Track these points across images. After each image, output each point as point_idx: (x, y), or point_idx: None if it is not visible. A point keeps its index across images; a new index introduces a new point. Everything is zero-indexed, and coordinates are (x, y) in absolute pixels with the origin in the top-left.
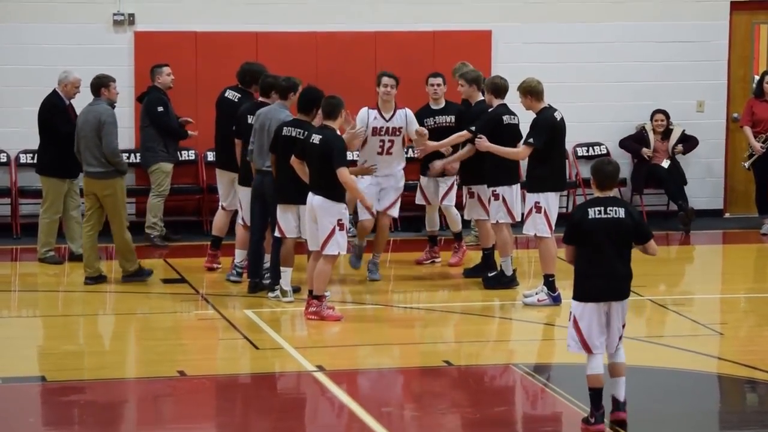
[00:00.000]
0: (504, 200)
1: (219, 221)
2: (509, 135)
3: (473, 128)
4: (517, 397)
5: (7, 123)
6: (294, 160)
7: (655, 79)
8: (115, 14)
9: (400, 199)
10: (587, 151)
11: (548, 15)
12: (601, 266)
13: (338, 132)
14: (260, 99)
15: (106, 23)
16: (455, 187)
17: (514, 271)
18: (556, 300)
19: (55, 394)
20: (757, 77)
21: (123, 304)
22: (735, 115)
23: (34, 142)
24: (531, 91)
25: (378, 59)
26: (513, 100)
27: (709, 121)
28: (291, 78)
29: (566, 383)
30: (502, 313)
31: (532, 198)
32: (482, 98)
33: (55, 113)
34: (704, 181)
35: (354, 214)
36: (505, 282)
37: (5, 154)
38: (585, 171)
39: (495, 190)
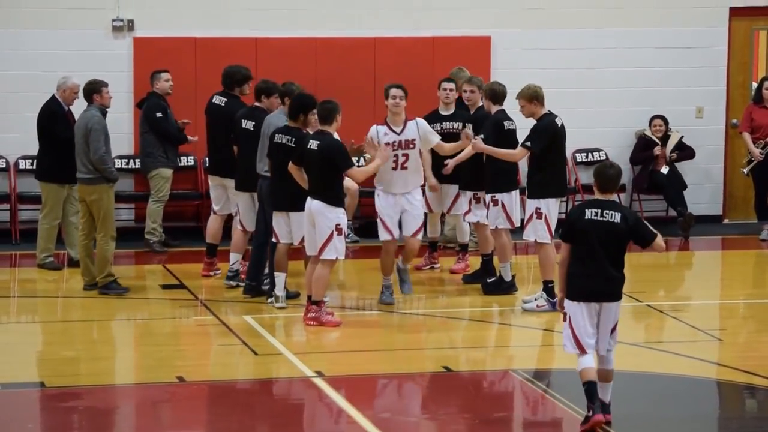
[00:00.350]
0: (503, 206)
1: (212, 227)
2: (509, 140)
3: (482, 136)
4: (516, 403)
5: (7, 129)
6: (291, 167)
7: (655, 85)
8: (114, 20)
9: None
10: (586, 157)
11: (547, 21)
12: (592, 267)
13: (336, 136)
14: (255, 104)
15: (106, 29)
16: (461, 196)
17: (513, 276)
18: (556, 306)
19: (53, 399)
20: (756, 83)
21: (122, 309)
22: (734, 121)
23: (34, 148)
24: (537, 96)
25: (377, 65)
26: (510, 106)
27: (708, 127)
28: (288, 83)
29: (566, 389)
30: (502, 319)
31: (532, 204)
32: (481, 104)
33: (54, 119)
34: (703, 187)
35: (354, 219)
36: (505, 288)
37: (4, 160)
38: (584, 177)
39: (494, 196)
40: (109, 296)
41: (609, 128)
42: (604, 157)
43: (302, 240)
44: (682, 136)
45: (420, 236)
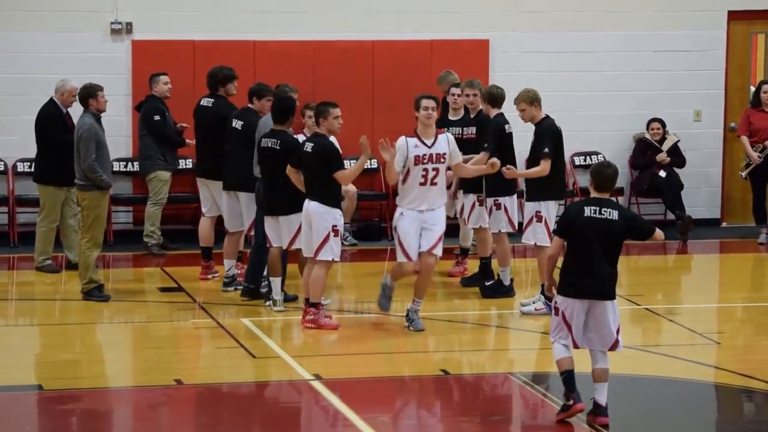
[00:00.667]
0: (506, 209)
1: (203, 230)
2: (508, 145)
3: (486, 145)
4: (515, 407)
5: (5, 131)
6: (289, 170)
7: (653, 89)
8: (112, 23)
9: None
10: (584, 160)
11: (546, 24)
12: (587, 264)
13: (330, 137)
14: (248, 105)
15: (104, 32)
16: (476, 206)
17: (512, 280)
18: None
19: (51, 402)
20: (754, 87)
21: (120, 312)
22: (732, 124)
23: (32, 151)
24: (537, 99)
25: (375, 68)
26: (508, 109)
27: (706, 131)
28: (281, 86)
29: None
30: (500, 322)
31: (532, 207)
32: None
33: (52, 122)
34: (701, 191)
35: (352, 222)
36: (503, 291)
37: (3, 163)
38: (583, 180)
39: (497, 200)
40: (111, 298)
41: (607, 131)
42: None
43: (291, 243)
44: (678, 140)
45: (438, 252)
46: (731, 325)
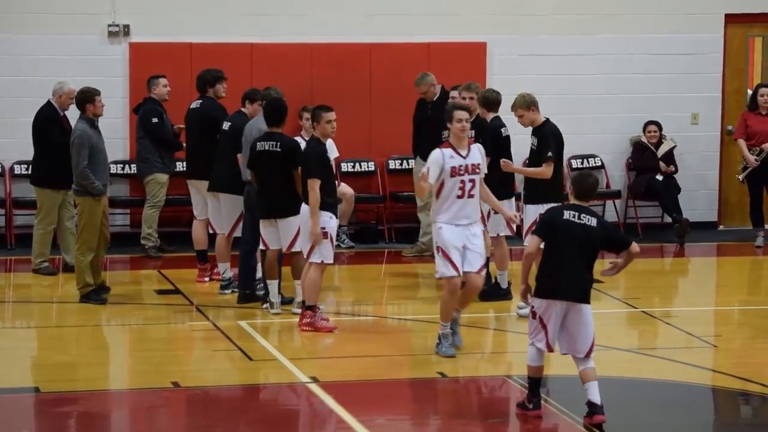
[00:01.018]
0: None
1: (196, 233)
2: (506, 147)
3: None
4: (512, 410)
5: (2, 134)
6: (297, 174)
7: (650, 92)
8: (110, 25)
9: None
10: (582, 163)
11: (543, 27)
12: (565, 266)
13: (330, 141)
14: (241, 109)
15: (101, 34)
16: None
17: (509, 283)
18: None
19: (48, 405)
20: (751, 90)
21: (117, 315)
22: (729, 127)
23: (29, 153)
24: (534, 103)
25: (373, 71)
26: (505, 112)
27: (703, 134)
28: (269, 88)
29: (562, 395)
30: (498, 325)
31: (533, 209)
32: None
33: (49, 124)
34: (698, 194)
35: (349, 225)
36: (501, 294)
37: (0, 165)
38: None
39: None
40: (108, 300)
41: (604, 134)
42: (599, 164)
43: (290, 246)
44: (674, 146)
45: (483, 274)
46: (728, 328)
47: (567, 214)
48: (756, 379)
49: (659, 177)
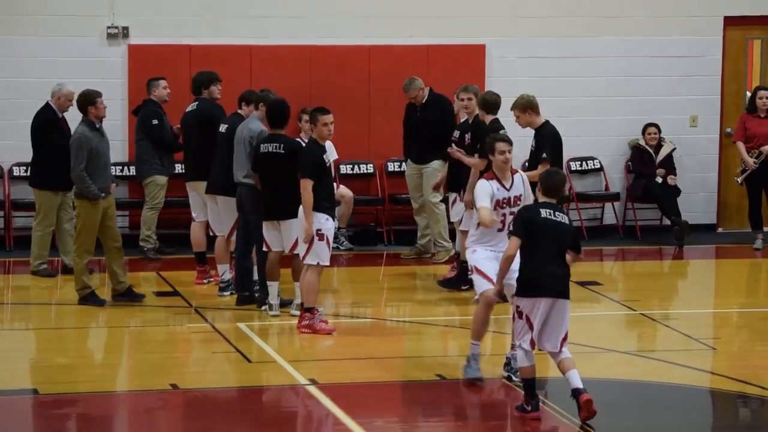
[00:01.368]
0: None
1: (194, 235)
2: None
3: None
4: (510, 411)
5: (1, 135)
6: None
7: (649, 94)
8: (108, 27)
9: None
10: (581, 165)
11: (542, 29)
12: (547, 264)
13: (328, 143)
14: (237, 111)
15: (100, 36)
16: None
17: None
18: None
19: (47, 407)
20: (750, 93)
21: (116, 317)
22: (728, 130)
23: (28, 155)
24: (530, 105)
25: (372, 73)
26: (504, 115)
27: (702, 136)
28: (264, 90)
29: (560, 398)
30: (496, 327)
31: None
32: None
33: (48, 126)
34: (697, 196)
35: (348, 227)
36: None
37: None
38: (579, 185)
39: None
40: (106, 302)
41: (603, 137)
42: (598, 166)
43: (292, 248)
44: (674, 148)
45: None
46: (727, 331)
47: (544, 213)
48: (754, 382)
49: (658, 179)
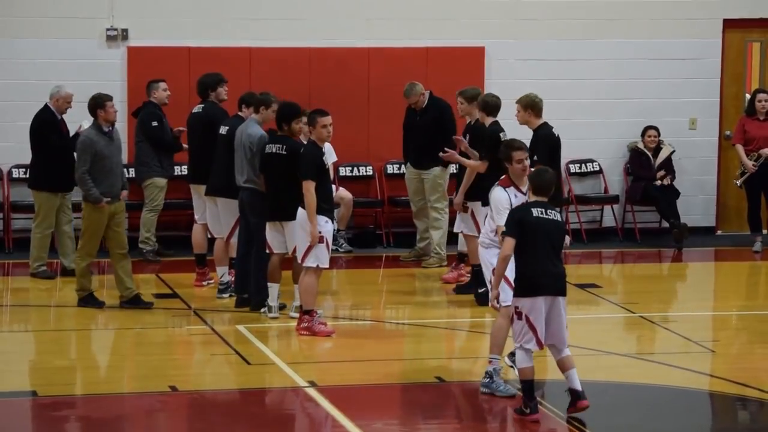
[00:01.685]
0: None
1: (196, 237)
2: None
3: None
4: (509, 414)
5: (0, 137)
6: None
7: (648, 97)
8: (108, 29)
9: None
10: (580, 168)
11: (541, 31)
12: (544, 262)
13: (327, 145)
14: (237, 113)
15: (99, 38)
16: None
17: None
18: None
19: (46, 409)
20: (749, 95)
21: (115, 318)
22: (727, 132)
23: (27, 157)
24: (532, 106)
25: (371, 75)
26: (503, 116)
27: (701, 139)
28: (264, 93)
29: (559, 399)
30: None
31: None
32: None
33: (46, 128)
34: (696, 199)
35: (347, 229)
36: None
37: None
38: (578, 188)
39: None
40: (106, 304)
41: (602, 139)
42: (597, 168)
43: (296, 249)
44: (673, 151)
45: None
46: (726, 333)
47: (536, 212)
48: (753, 384)
49: (657, 182)
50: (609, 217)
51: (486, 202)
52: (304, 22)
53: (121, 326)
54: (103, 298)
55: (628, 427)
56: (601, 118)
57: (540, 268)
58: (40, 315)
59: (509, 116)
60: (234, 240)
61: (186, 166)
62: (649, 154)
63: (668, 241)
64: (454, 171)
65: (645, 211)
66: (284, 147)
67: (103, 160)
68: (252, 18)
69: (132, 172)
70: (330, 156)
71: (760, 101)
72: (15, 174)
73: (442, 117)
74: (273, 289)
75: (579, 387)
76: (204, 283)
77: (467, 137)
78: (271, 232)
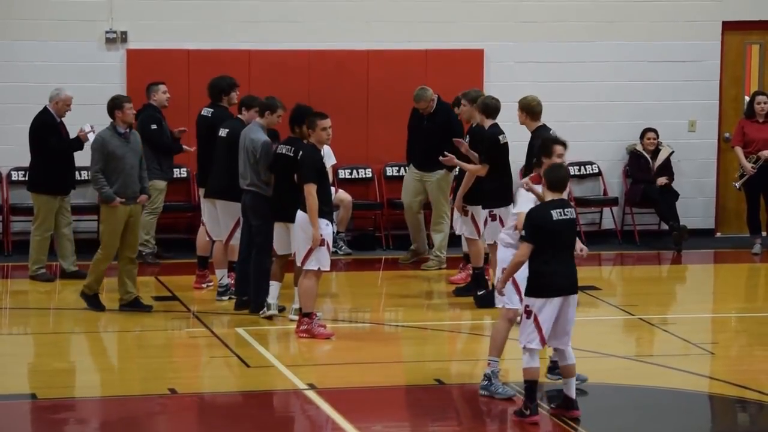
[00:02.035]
0: (501, 220)
1: (201, 239)
2: (504, 154)
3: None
4: (508, 416)
5: None
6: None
7: (648, 99)
8: (107, 32)
9: None
10: (579, 170)
11: (540, 34)
12: (560, 264)
13: (326, 147)
14: (237, 116)
15: (99, 41)
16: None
17: None
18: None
19: (45, 411)
20: (748, 98)
21: (114, 321)
22: (726, 134)
23: (26, 159)
24: (528, 109)
25: (370, 77)
26: (503, 119)
27: (700, 141)
28: (269, 98)
29: (558, 401)
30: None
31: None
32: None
33: (46, 131)
34: (696, 201)
35: (346, 231)
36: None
37: None
38: (577, 190)
39: (492, 211)
40: (105, 307)
41: (602, 141)
42: (596, 170)
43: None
44: (672, 152)
45: None
46: (725, 336)
47: (555, 214)
48: (753, 387)
49: (657, 184)
50: (608, 219)
51: (485, 206)
52: (303, 25)
53: (121, 329)
54: (103, 301)
55: (627, 429)
56: (600, 120)
57: (554, 268)
58: (39, 318)
59: (509, 119)
60: (234, 242)
61: (185, 169)
62: (648, 156)
63: (667, 243)
64: (457, 173)
65: (644, 213)
66: (293, 149)
67: (115, 160)
68: (251, 20)
69: None
70: (329, 158)
71: (759, 103)
72: (14, 176)
73: (450, 122)
74: (273, 287)
75: (574, 396)
76: (203, 285)
77: (467, 139)
78: (276, 233)
